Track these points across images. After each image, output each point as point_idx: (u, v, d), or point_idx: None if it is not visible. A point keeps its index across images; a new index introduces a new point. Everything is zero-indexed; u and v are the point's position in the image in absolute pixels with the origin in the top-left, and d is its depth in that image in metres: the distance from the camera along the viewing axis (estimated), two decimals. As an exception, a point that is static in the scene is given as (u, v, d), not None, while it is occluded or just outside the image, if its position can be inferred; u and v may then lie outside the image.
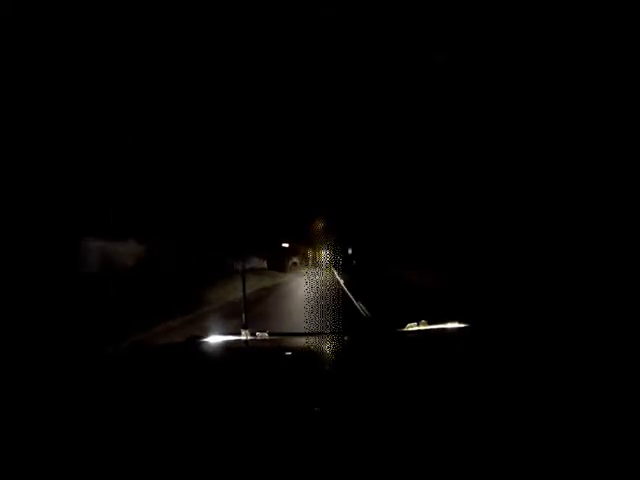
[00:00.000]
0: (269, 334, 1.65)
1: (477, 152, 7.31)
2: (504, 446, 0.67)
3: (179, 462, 0.65)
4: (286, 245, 26.68)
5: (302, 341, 1.77)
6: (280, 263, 24.63)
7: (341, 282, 14.36)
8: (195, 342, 1.59)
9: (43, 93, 5.24)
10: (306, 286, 11.70)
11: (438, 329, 1.62)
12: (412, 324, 1.63)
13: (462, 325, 1.64)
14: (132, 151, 7.46)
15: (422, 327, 1.62)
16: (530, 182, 6.20)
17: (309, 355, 1.47)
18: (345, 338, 1.91)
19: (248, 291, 10.50)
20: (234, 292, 10.18)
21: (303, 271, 23.24)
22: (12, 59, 4.73)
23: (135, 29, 5.79)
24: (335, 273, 21.02)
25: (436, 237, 9.87)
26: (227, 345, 1.58)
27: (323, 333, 2.71)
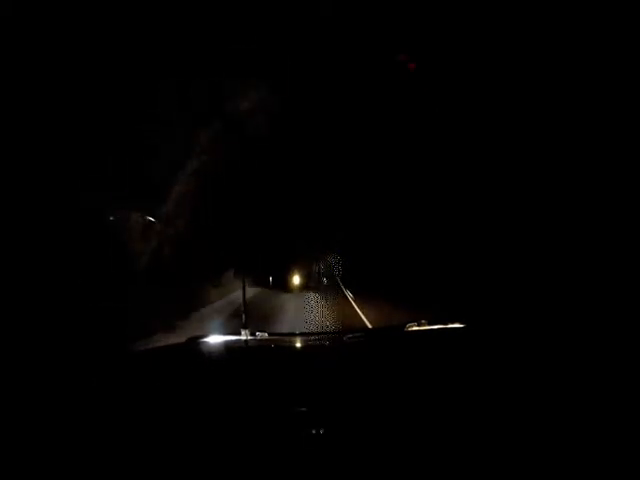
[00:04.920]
0: (269, 334, 1.65)
1: (478, 153, 7.33)
2: (504, 446, 0.67)
3: (179, 462, 0.65)
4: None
5: (302, 341, 1.77)
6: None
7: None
8: (195, 342, 1.59)
9: (43, 94, 5.23)
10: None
11: (438, 329, 1.62)
12: (412, 324, 1.62)
13: (462, 325, 1.63)
14: (131, 153, 7.46)
15: (422, 327, 1.61)
16: (528, 182, 6.20)
17: (309, 355, 1.46)
18: (345, 338, 1.90)
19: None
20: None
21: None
22: (12, 59, 4.72)
23: (135, 29, 5.80)
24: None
25: (435, 237, 9.89)
26: (227, 345, 1.58)
27: (323, 333, 2.70)
